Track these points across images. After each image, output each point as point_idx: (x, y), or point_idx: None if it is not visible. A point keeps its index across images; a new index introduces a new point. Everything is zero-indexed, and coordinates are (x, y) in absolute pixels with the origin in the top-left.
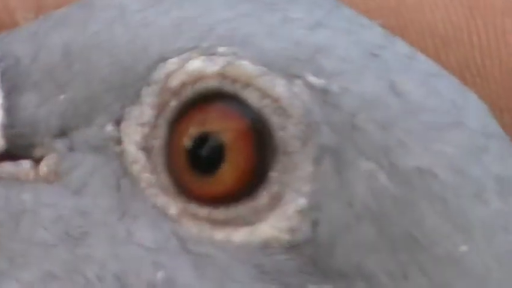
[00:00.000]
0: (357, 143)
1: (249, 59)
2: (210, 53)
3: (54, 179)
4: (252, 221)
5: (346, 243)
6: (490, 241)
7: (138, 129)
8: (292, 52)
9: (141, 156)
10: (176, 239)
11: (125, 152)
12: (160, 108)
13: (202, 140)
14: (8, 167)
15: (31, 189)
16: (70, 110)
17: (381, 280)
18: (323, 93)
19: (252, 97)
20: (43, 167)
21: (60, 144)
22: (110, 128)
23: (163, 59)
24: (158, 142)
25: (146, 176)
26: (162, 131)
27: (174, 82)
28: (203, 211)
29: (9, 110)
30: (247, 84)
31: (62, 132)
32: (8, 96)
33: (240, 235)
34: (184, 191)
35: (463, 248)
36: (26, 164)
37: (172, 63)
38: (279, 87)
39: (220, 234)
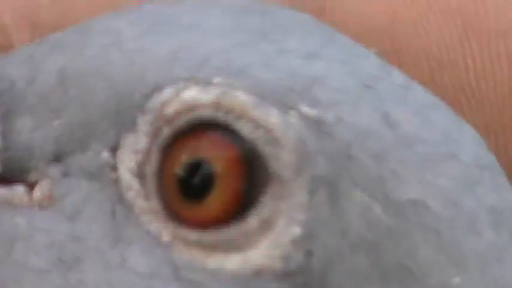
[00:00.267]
0: (351, 173)
1: (243, 89)
2: (205, 83)
3: (48, 204)
4: (243, 246)
5: (339, 273)
6: (483, 273)
7: (132, 156)
8: (287, 83)
9: (135, 183)
10: (169, 266)
11: (120, 178)
12: (154, 135)
13: (193, 167)
14: (1, 191)
15: (25, 214)
16: (65, 136)
17: None
18: (317, 124)
19: (245, 128)
20: (37, 192)
21: (54, 169)
22: (105, 154)
23: (159, 88)
24: (151, 168)
25: (140, 202)
26: (154, 158)
27: (169, 110)
28: (193, 235)
29: (3, 134)
30: (241, 115)
31: (57, 158)
32: (2, 120)
33: (232, 263)
34: (175, 216)
35: (456, 279)
36: (20, 189)
37: (167, 92)
38: (273, 118)
39: (212, 262)
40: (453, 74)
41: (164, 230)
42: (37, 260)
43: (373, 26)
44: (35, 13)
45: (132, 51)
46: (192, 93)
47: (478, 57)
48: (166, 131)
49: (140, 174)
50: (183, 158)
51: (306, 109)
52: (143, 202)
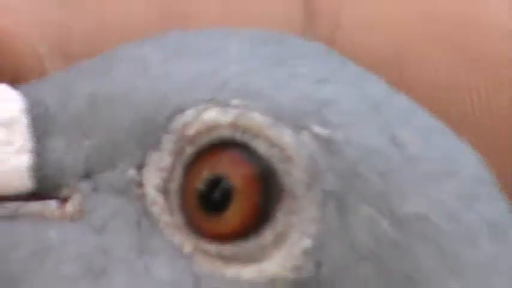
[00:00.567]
0: (359, 189)
1: (259, 111)
2: (224, 104)
3: (79, 218)
4: (259, 257)
5: (346, 282)
6: (481, 283)
7: (157, 173)
8: (299, 105)
9: (160, 199)
10: (190, 276)
11: (146, 194)
12: (177, 154)
13: (213, 182)
14: (35, 206)
15: (57, 227)
16: (94, 155)
17: None
18: (328, 143)
19: (261, 146)
20: (68, 207)
21: (84, 185)
22: (132, 172)
23: (182, 110)
24: (174, 185)
25: (164, 217)
26: (177, 174)
27: (191, 131)
28: (213, 248)
29: (38, 154)
30: (257, 134)
31: (87, 175)
32: (37, 141)
33: (248, 272)
34: (196, 230)
35: None
36: (52, 203)
37: (189, 114)
38: (286, 137)
39: (230, 272)
40: (459, 105)
41: (186, 242)
42: (68, 270)
43: (382, 57)
44: (67, 44)
45: (156, 77)
46: (212, 115)
47: (483, 88)
48: (189, 150)
49: (164, 190)
50: (204, 174)
51: (317, 129)
52: (167, 216)
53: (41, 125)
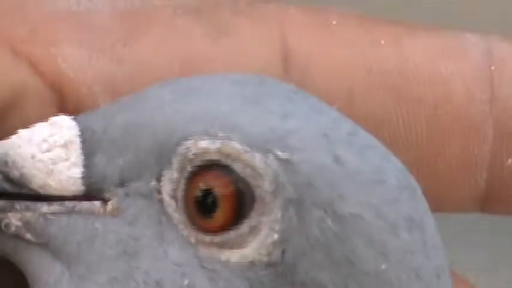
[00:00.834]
0: (311, 196)
1: (237, 140)
2: (213, 136)
3: (117, 214)
4: (240, 245)
5: (304, 264)
6: (401, 262)
7: (169, 184)
8: (267, 135)
9: (172, 202)
10: (196, 259)
11: (163, 199)
12: (181, 170)
13: (206, 192)
14: (86, 205)
15: (101, 220)
16: (126, 169)
17: None
18: (287, 163)
19: (238, 167)
20: (109, 206)
21: (120, 191)
22: (153, 183)
23: (185, 139)
24: (180, 193)
25: (176, 215)
26: (182, 186)
27: (190, 154)
28: (208, 238)
29: (87, 167)
30: (236, 159)
31: (121, 183)
32: (86, 157)
33: (235, 256)
34: (196, 226)
35: (383, 266)
36: (98, 203)
37: (189, 142)
38: (257, 160)
39: (223, 256)
40: (389, 129)
41: (191, 235)
42: (110, 252)
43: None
44: (114, 85)
45: (169, 112)
46: (205, 143)
47: (406, 117)
48: (189, 168)
49: (174, 196)
50: (200, 186)
51: (279, 153)
52: (177, 215)
53: (89, 146)
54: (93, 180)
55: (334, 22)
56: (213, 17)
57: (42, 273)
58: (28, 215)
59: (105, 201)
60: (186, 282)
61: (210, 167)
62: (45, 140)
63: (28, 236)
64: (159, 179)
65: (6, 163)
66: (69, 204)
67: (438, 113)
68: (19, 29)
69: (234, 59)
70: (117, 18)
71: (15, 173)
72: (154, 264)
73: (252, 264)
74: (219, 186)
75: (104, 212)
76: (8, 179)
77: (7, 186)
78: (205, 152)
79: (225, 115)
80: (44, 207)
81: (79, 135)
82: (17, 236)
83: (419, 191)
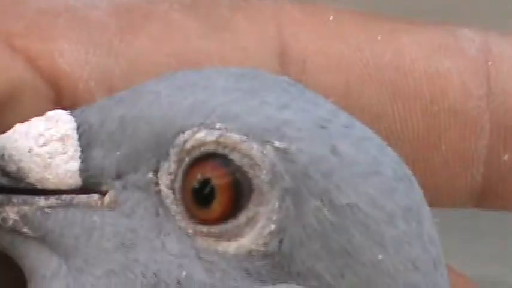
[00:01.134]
0: (308, 187)
1: (235, 131)
2: (210, 127)
3: (114, 207)
4: (238, 236)
5: (301, 254)
6: (398, 252)
7: (167, 176)
8: (264, 126)
9: (170, 194)
10: (193, 250)
11: (161, 191)
12: (179, 162)
13: (203, 183)
14: (83, 197)
15: (99, 213)
16: (123, 162)
17: (326, 278)
18: (285, 153)
19: (236, 157)
20: (106, 199)
21: (117, 184)
22: (150, 175)
23: (182, 131)
24: (178, 184)
25: (173, 207)
26: (179, 177)
27: (187, 146)
28: (205, 229)
29: (84, 160)
30: (233, 149)
31: (118, 176)
32: (83, 151)
33: (232, 247)
34: (193, 216)
35: (380, 256)
36: (95, 196)
37: (187, 134)
38: (254, 150)
39: (220, 247)
40: (386, 123)
41: (188, 226)
42: (107, 244)
43: (330, 94)
44: (110, 80)
45: (166, 105)
46: (202, 135)
47: (402, 111)
48: (187, 159)
49: (172, 188)
50: (197, 177)
51: (277, 143)
52: (175, 207)
53: (86, 139)
54: (91, 174)
55: (330, 18)
56: (209, 12)
57: (39, 266)
58: (25, 208)
59: (102, 194)
60: (183, 273)
61: (207, 158)
62: (41, 134)
63: (25, 229)
64: (156, 171)
65: (3, 157)
66: (66, 197)
67: (434, 108)
68: (16, 24)
69: (231, 54)
70: (114, 13)
71: (12, 167)
72: (151, 256)
73: (249, 254)
74: (217, 177)
75: (101, 204)
76: (5, 173)
77: (4, 181)
78: (202, 143)
79: (222, 106)
80: (41, 201)
81: (76, 129)
82: (15, 230)
83: (415, 182)
